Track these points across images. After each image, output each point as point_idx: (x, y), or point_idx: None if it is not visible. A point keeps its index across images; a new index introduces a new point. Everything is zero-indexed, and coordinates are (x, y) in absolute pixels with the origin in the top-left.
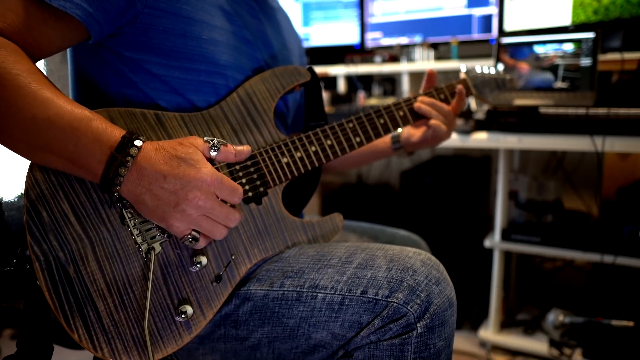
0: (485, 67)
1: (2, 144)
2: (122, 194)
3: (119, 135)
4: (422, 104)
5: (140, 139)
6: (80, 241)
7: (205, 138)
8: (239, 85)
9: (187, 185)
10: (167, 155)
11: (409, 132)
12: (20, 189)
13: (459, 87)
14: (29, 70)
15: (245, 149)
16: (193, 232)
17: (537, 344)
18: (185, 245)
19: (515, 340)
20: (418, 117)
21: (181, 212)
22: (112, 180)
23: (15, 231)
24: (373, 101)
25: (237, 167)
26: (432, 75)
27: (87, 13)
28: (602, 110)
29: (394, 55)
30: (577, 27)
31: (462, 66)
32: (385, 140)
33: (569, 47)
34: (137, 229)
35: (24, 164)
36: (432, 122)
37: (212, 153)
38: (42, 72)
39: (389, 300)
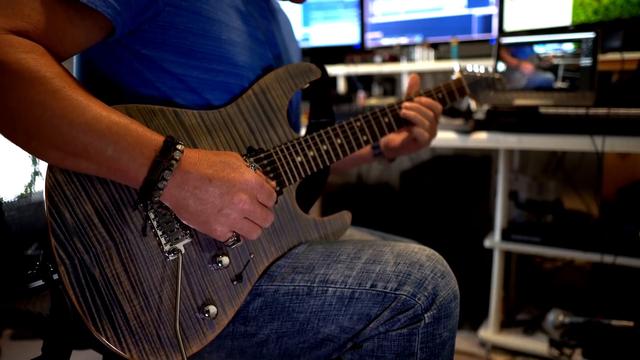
0: (477, 66)
1: (29, 149)
2: (164, 199)
3: (161, 139)
4: (409, 110)
5: (181, 143)
6: (105, 243)
7: (243, 157)
8: (252, 83)
9: (232, 189)
10: (210, 160)
11: (389, 138)
12: (21, 189)
13: (424, 100)
14: (61, 73)
15: (272, 184)
16: (235, 234)
17: (537, 344)
18: (226, 246)
19: (515, 340)
20: None
21: (225, 216)
22: (155, 184)
23: (15, 232)
24: (373, 101)
25: (254, 166)
26: (414, 81)
27: (116, 11)
28: (602, 110)
29: (394, 55)
30: (577, 27)
31: (456, 65)
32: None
33: (569, 47)
34: (161, 230)
35: (24, 164)
36: (416, 130)
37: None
38: (72, 75)
39: (398, 292)
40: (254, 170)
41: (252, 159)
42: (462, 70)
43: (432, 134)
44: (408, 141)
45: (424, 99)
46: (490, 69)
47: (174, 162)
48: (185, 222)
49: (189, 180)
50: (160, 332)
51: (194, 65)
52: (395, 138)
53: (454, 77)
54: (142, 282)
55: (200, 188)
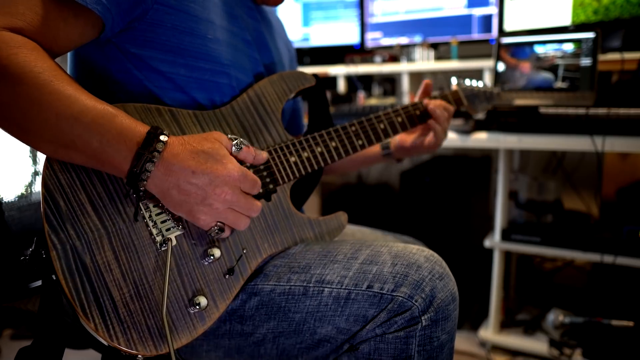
0: (474, 80)
1: (24, 142)
2: (149, 189)
3: (144, 130)
4: (435, 106)
5: (165, 134)
6: (97, 231)
7: (229, 135)
8: (246, 86)
9: (215, 181)
10: (194, 150)
11: (401, 138)
12: (21, 189)
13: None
14: (50, 67)
15: (263, 154)
16: (219, 224)
17: (537, 344)
18: (210, 236)
19: (515, 340)
20: (414, 125)
21: (208, 206)
22: (139, 175)
23: (15, 231)
24: (373, 101)
25: (248, 164)
26: (428, 85)
27: (105, 8)
28: (602, 110)
29: (394, 55)
30: (577, 27)
31: (454, 79)
32: (375, 145)
33: (569, 47)
34: (152, 221)
35: (24, 164)
36: (436, 127)
37: (234, 150)
38: (62, 69)
39: (394, 294)
40: (240, 146)
41: (239, 138)
42: (460, 84)
43: (445, 136)
44: (419, 141)
45: (439, 101)
46: (489, 84)
47: (156, 154)
48: (171, 210)
49: (172, 171)
50: (149, 321)
51: (181, 63)
52: (408, 138)
53: (452, 89)
54: (132, 270)
55: (182, 179)
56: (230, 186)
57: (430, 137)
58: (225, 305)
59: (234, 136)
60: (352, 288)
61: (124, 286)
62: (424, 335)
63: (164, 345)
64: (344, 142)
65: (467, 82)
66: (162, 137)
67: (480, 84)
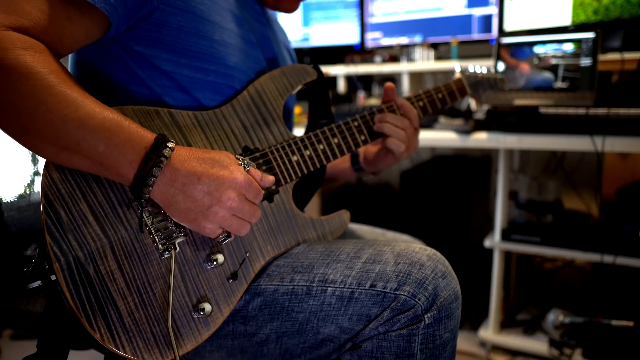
0: (478, 66)
1: (25, 144)
2: (154, 196)
3: (152, 136)
4: (380, 122)
5: (172, 141)
6: (99, 240)
7: (237, 155)
8: (247, 84)
9: (221, 186)
10: (200, 157)
11: (367, 150)
12: (20, 189)
13: (400, 101)
14: (57, 70)
15: (270, 177)
16: (225, 231)
17: (537, 344)
18: (217, 243)
19: (515, 340)
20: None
21: (213, 214)
22: (145, 180)
23: (15, 232)
24: (373, 101)
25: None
26: (389, 88)
27: (112, 7)
28: (602, 110)
29: (394, 55)
30: (577, 27)
31: (457, 66)
32: (346, 159)
33: (569, 47)
34: (155, 228)
35: (24, 164)
36: (390, 140)
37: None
38: (69, 72)
39: (397, 293)
40: (247, 167)
41: (246, 158)
42: (463, 71)
43: (411, 144)
44: (383, 153)
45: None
46: (493, 70)
47: (163, 159)
48: (175, 220)
49: (178, 177)
50: (154, 329)
51: (185, 64)
52: (372, 150)
53: (455, 77)
54: (136, 279)
55: (188, 185)
56: (237, 192)
57: (390, 149)
58: (230, 309)
59: (242, 157)
60: (355, 287)
61: (128, 295)
62: (427, 334)
63: (170, 352)
64: (347, 138)
65: (471, 68)
66: (170, 144)
67: (484, 69)
